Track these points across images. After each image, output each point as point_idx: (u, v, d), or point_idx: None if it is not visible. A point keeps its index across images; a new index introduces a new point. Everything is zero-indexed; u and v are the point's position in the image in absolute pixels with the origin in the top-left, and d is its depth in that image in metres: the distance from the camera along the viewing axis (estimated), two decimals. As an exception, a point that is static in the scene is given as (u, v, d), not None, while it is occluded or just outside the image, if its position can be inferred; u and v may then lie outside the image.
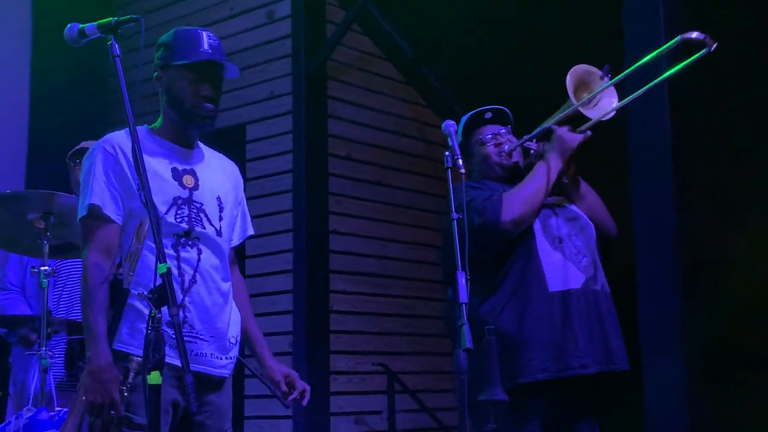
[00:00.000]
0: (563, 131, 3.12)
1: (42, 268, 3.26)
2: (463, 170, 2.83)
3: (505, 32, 5.75)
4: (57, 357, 3.25)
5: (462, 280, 2.62)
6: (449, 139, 2.93)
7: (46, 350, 3.16)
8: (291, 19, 5.77)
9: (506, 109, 3.31)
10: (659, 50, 2.99)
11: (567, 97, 3.11)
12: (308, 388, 2.80)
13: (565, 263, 3.03)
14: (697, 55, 2.90)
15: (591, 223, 3.19)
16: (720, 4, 4.22)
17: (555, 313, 2.95)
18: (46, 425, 2.98)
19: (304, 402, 2.81)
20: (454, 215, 2.72)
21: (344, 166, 5.87)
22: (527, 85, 5.50)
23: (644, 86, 3.08)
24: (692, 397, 3.71)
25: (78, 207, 2.61)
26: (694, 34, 2.86)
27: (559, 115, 3.15)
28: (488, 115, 3.28)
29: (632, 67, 3.05)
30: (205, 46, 2.64)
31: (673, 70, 3.01)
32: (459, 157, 2.84)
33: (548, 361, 2.91)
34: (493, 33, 5.80)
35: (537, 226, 3.06)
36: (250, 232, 2.91)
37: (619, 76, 3.07)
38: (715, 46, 2.84)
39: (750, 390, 6.44)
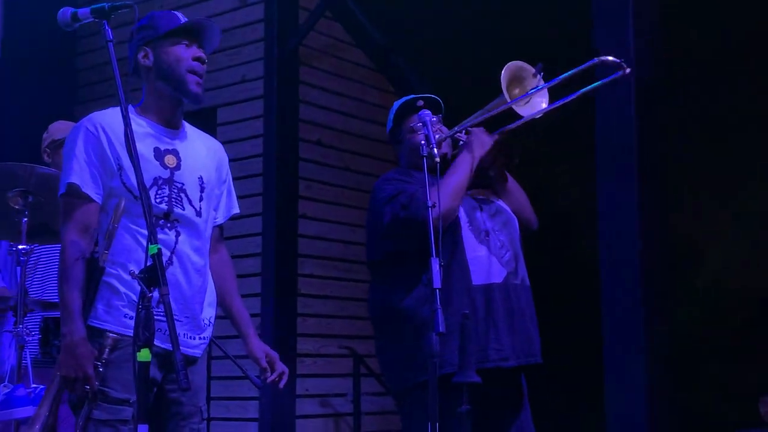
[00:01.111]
0: (478, 132, 3.15)
1: (19, 246, 3.26)
2: (438, 158, 2.86)
3: (476, 21, 5.82)
4: (32, 335, 3.27)
5: (436, 266, 2.66)
6: (424, 128, 2.97)
7: (23, 327, 3.18)
8: (264, 4, 5.80)
9: (438, 99, 3.29)
10: (578, 69, 3.03)
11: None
12: (287, 370, 2.85)
13: (489, 257, 3.05)
14: (612, 77, 3.01)
15: (514, 217, 3.22)
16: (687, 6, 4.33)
17: (478, 306, 2.97)
18: (23, 401, 3.01)
19: (281, 384, 2.86)
20: (429, 202, 2.77)
21: (314, 151, 5.91)
22: (497, 73, 5.56)
23: (567, 97, 3.10)
24: (654, 389, 3.78)
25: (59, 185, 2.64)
26: (611, 58, 2.97)
27: (490, 109, 3.16)
28: (420, 103, 3.24)
29: (563, 76, 3.08)
30: (183, 19, 2.73)
31: (589, 87, 3.08)
32: (434, 146, 2.88)
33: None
34: (464, 21, 5.87)
35: (463, 219, 3.08)
36: (236, 210, 2.95)
37: (552, 82, 3.10)
38: (629, 70, 2.94)
39: (711, 381, 6.60)
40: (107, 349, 2.49)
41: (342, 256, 5.98)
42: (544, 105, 3.14)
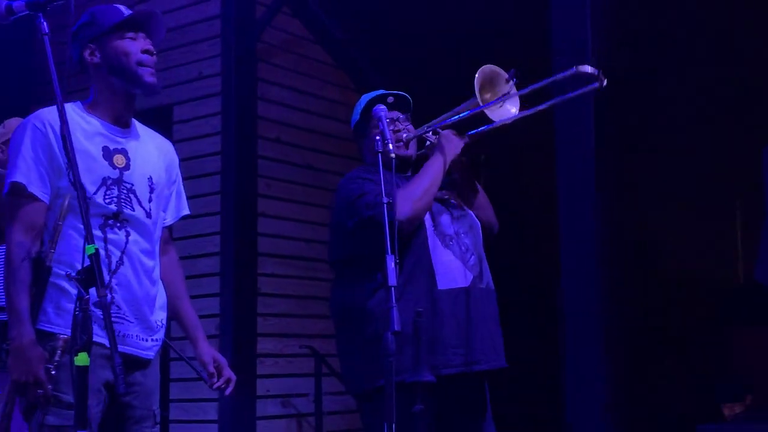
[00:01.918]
0: (447, 134, 3.12)
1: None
2: (393, 154, 2.82)
3: (436, 17, 5.79)
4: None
5: (391, 263, 2.63)
6: (380, 124, 2.93)
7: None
8: (220, 0, 5.72)
9: (408, 97, 3.25)
10: (553, 77, 3.02)
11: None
12: (234, 377, 2.80)
13: (454, 261, 3.02)
14: (588, 88, 2.98)
15: (477, 221, 3.19)
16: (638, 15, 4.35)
17: (443, 310, 2.93)
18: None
19: (227, 391, 2.81)
20: (384, 200, 2.73)
21: (273, 148, 5.85)
22: (457, 71, 5.55)
23: (537, 106, 3.10)
24: (612, 380, 3.81)
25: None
26: (588, 69, 2.92)
27: (461, 111, 3.13)
28: (390, 99, 3.20)
29: (538, 84, 3.06)
30: (125, 12, 2.66)
31: (563, 97, 3.09)
32: (390, 141, 2.84)
33: (433, 358, 2.89)
34: (424, 17, 5.84)
35: (428, 223, 3.04)
36: (185, 211, 2.89)
37: (524, 90, 3.08)
38: (605, 82, 2.91)
39: (669, 372, 6.65)
40: (59, 352, 2.43)
41: (303, 254, 5.93)
42: (515, 111, 3.11)
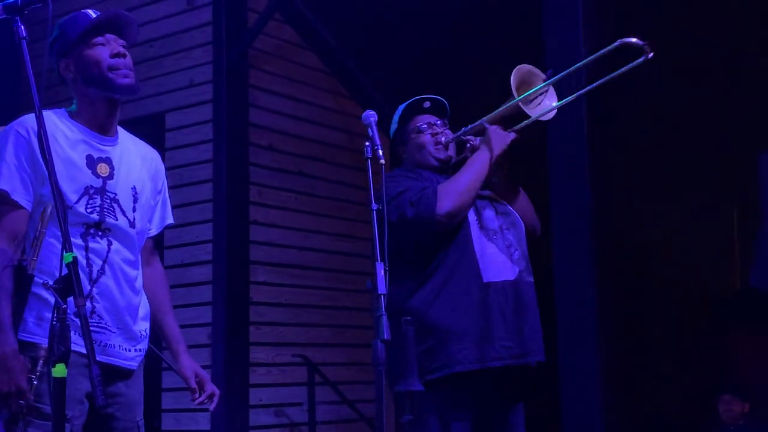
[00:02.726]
0: (495, 128, 3.16)
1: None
2: (382, 161, 2.81)
3: (428, 24, 5.77)
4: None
5: (380, 270, 2.61)
6: (369, 130, 2.91)
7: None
8: (212, 7, 5.69)
9: (445, 101, 3.32)
10: (598, 53, 3.05)
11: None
12: (217, 392, 2.77)
13: (499, 255, 3.07)
14: (636, 62, 2.97)
15: (520, 219, 3.24)
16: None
17: (489, 303, 2.99)
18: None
19: (211, 407, 2.77)
20: (374, 206, 2.71)
21: (265, 156, 5.81)
22: (450, 77, 5.53)
23: (583, 89, 3.19)
24: (607, 385, 3.79)
25: None
26: (634, 40, 2.93)
27: (500, 111, 3.19)
28: (427, 104, 3.29)
29: (571, 68, 3.14)
30: (93, 15, 2.62)
31: (612, 75, 3.07)
32: (379, 147, 2.82)
33: (482, 351, 2.95)
34: (416, 24, 5.82)
35: (472, 217, 3.08)
36: (170, 221, 2.86)
37: (558, 76, 3.14)
38: (652, 54, 2.90)
39: (662, 377, 6.62)
40: (41, 362, 2.38)
41: (296, 262, 5.89)
42: (555, 102, 3.18)
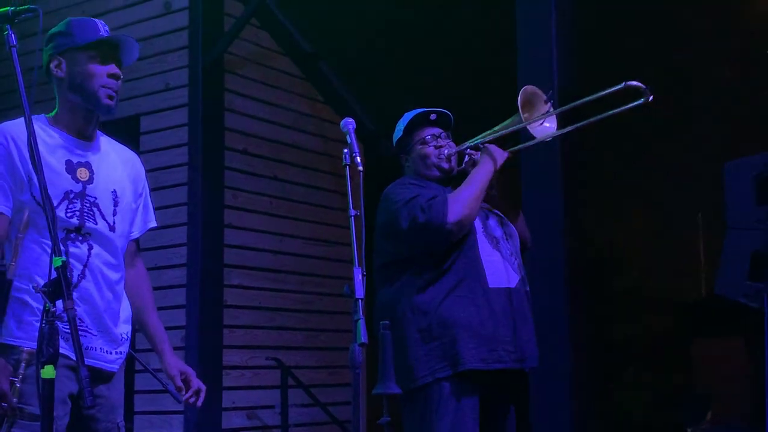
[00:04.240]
0: (494, 147, 3.28)
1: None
2: (360, 167, 2.84)
3: (403, 31, 5.83)
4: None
5: (358, 275, 2.65)
6: (347, 137, 2.95)
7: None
8: (188, 11, 5.70)
9: (450, 115, 3.42)
10: (602, 93, 3.16)
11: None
12: (203, 387, 2.80)
13: (502, 262, 3.19)
14: (635, 103, 3.12)
15: (516, 231, 3.37)
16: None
17: (494, 307, 3.10)
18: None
19: (199, 402, 2.80)
20: (352, 212, 2.75)
21: (240, 160, 5.84)
22: (424, 84, 5.59)
23: (582, 122, 3.30)
24: (577, 391, 3.85)
25: None
26: (635, 83, 3.07)
27: (506, 128, 3.33)
28: (433, 116, 3.39)
29: (574, 104, 3.27)
30: (102, 31, 2.64)
31: (611, 113, 3.20)
32: (357, 154, 2.86)
33: (487, 352, 3.06)
34: (392, 31, 5.87)
35: (478, 225, 3.21)
36: (152, 224, 2.88)
37: (563, 108, 3.30)
38: (651, 98, 3.07)
39: (630, 383, 6.71)
40: (23, 365, 2.41)
41: (269, 266, 5.92)
42: (553, 128, 3.33)
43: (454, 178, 3.37)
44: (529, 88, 3.31)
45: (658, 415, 6.31)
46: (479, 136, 3.37)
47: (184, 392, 2.77)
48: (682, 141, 6.67)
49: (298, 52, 6.26)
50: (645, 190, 6.79)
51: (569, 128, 3.34)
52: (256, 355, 5.73)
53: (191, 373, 2.81)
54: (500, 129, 3.34)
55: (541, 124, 3.31)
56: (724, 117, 6.30)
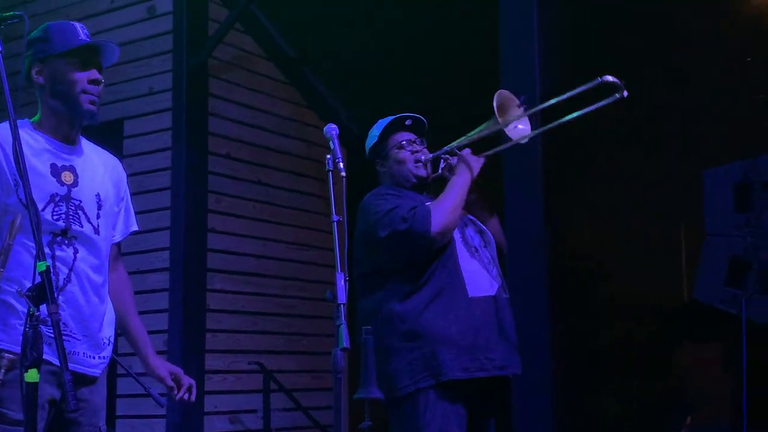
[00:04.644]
0: (468, 152, 3.30)
1: None
2: (343, 173, 2.86)
3: (388, 35, 5.85)
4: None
5: (341, 280, 2.66)
6: (331, 143, 2.97)
7: None
8: (173, 16, 5.71)
9: (425, 120, 3.43)
10: (578, 90, 3.18)
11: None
12: (194, 382, 2.81)
13: (481, 271, 3.20)
14: (610, 99, 3.13)
15: (492, 237, 3.38)
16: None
17: (475, 316, 3.10)
18: None
19: (192, 398, 2.81)
20: (335, 218, 2.76)
21: (224, 164, 5.84)
22: (407, 88, 5.62)
23: (557, 120, 3.32)
24: (559, 396, 3.87)
25: None
26: (611, 78, 3.08)
27: (480, 132, 3.34)
28: (408, 122, 3.40)
29: (548, 103, 3.30)
30: (82, 35, 2.64)
31: (587, 110, 3.22)
32: (340, 160, 2.87)
33: (469, 361, 3.07)
34: (375, 36, 5.90)
35: (457, 234, 3.22)
36: (134, 227, 2.89)
37: (535, 108, 3.34)
38: (626, 93, 3.08)
39: (611, 388, 6.75)
40: (3, 370, 2.40)
41: (252, 270, 5.92)
42: (527, 130, 3.35)
43: (429, 185, 3.39)
44: (504, 92, 3.33)
45: (640, 420, 6.35)
46: (455, 142, 3.38)
47: (176, 391, 2.78)
48: (665, 148, 6.72)
49: (282, 57, 6.27)
50: (627, 198, 6.84)
51: (544, 128, 3.37)
52: (238, 360, 5.74)
53: (179, 371, 2.83)
54: (476, 133, 3.36)
55: (516, 126, 3.32)
56: (711, 123, 6.35)
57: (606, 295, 6.97)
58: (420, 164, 3.36)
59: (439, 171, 3.39)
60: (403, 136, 3.39)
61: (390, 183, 3.38)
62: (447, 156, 3.38)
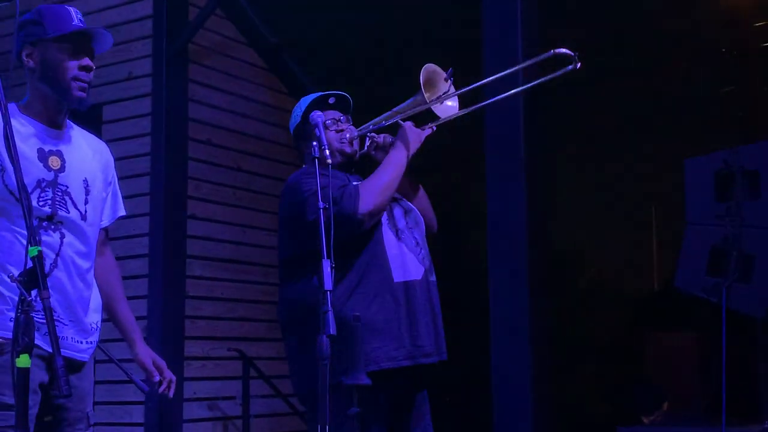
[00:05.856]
0: (409, 125, 3.17)
1: None
2: (329, 160, 2.85)
3: (369, 22, 5.85)
4: None
5: (327, 267, 2.66)
6: (316, 130, 2.96)
7: None
8: (153, 0, 5.68)
9: (348, 97, 3.29)
10: (532, 60, 3.15)
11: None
12: (174, 378, 2.82)
13: (408, 254, 3.08)
14: (563, 70, 3.06)
15: (421, 217, 3.26)
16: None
17: (400, 303, 2.99)
18: None
19: (171, 393, 2.82)
20: (321, 204, 2.76)
21: (204, 150, 5.83)
22: (387, 74, 5.62)
23: (498, 95, 3.28)
24: (537, 385, 3.92)
25: None
26: (564, 50, 3.03)
27: (406, 108, 3.23)
28: (332, 100, 3.25)
29: (481, 82, 3.24)
30: (76, 21, 2.62)
31: (540, 80, 3.19)
32: (326, 147, 2.86)
33: (394, 349, 2.96)
34: (356, 23, 5.89)
35: (384, 216, 3.08)
36: (122, 212, 2.88)
37: (469, 87, 3.22)
38: (579, 65, 3.02)
39: (586, 374, 6.83)
40: None
41: (232, 257, 5.92)
42: (455, 106, 3.23)
43: (356, 163, 3.25)
44: (430, 66, 3.20)
45: (613, 406, 6.43)
46: (381, 117, 3.26)
47: (155, 376, 2.78)
48: (638, 135, 6.78)
49: (262, 43, 6.25)
50: (601, 187, 6.90)
51: (474, 107, 3.27)
52: (217, 346, 5.74)
53: (163, 363, 2.85)
54: (402, 110, 3.23)
55: (443, 103, 3.21)
56: (682, 111, 6.42)
57: (580, 282, 7.04)
58: (346, 142, 3.20)
59: (365, 149, 3.26)
60: (328, 115, 3.21)
61: (311, 166, 3.15)
62: (373, 135, 3.25)
